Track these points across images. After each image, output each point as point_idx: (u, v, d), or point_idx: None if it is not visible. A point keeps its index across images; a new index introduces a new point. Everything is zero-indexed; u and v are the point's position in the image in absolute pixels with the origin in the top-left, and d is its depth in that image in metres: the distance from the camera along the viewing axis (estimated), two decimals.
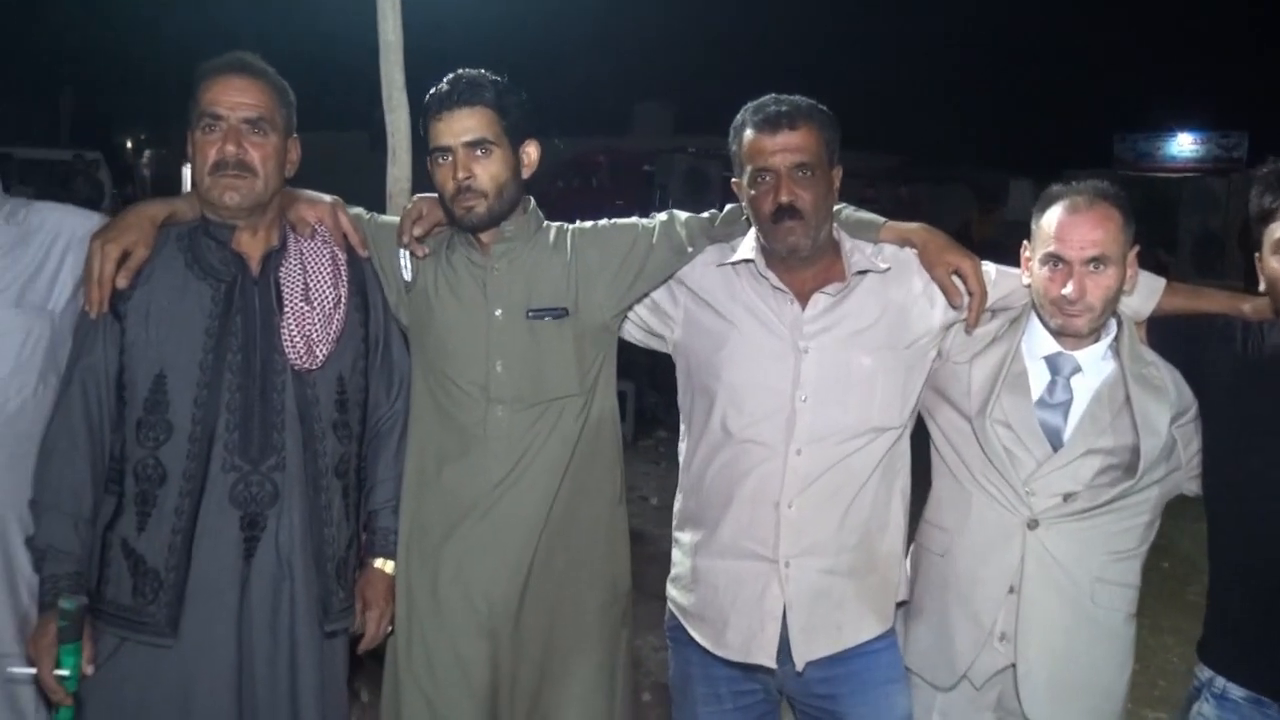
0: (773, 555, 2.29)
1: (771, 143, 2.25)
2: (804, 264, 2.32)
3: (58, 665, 2.07)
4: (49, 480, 2.16)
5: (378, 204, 2.49)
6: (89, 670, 2.11)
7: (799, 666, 2.29)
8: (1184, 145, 24.43)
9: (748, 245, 2.36)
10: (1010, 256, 2.41)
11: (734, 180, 2.38)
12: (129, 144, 28.11)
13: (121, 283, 2.17)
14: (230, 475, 2.18)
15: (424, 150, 2.36)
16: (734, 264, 2.37)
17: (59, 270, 2.29)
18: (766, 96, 2.31)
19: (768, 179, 2.25)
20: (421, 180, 3.69)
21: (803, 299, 2.32)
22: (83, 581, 2.16)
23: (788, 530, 2.28)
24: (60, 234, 2.31)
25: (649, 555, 3.42)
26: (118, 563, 2.18)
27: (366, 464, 2.41)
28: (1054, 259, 2.22)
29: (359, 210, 2.50)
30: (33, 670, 2.10)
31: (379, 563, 2.41)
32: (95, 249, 2.18)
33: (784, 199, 2.23)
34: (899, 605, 2.42)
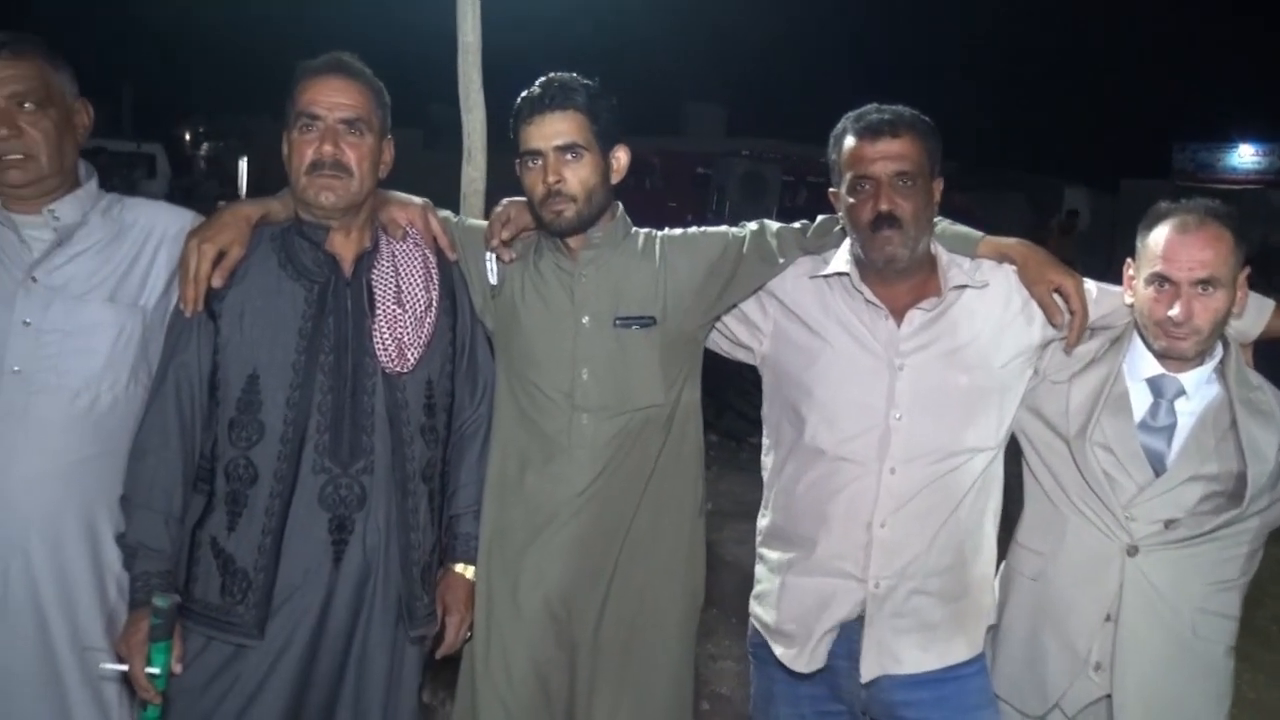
0: (863, 575, 2.25)
1: (873, 150, 2.21)
2: (900, 277, 2.27)
3: (148, 663, 2.08)
4: (141, 478, 2.17)
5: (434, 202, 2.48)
6: (178, 669, 2.12)
7: (886, 687, 2.24)
8: (1245, 156, 23.98)
9: (841, 258, 2.32)
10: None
11: (831, 190, 2.35)
12: (187, 136, 28.55)
13: (217, 282, 2.18)
14: (320, 477, 2.17)
15: (501, 151, 2.34)
16: (827, 277, 2.33)
17: (151, 267, 2.30)
18: (868, 105, 2.27)
19: (867, 187, 2.22)
20: (499, 183, 3.71)
21: (898, 314, 2.27)
22: (172, 580, 2.16)
23: (879, 550, 2.24)
24: (153, 231, 2.32)
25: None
26: (207, 561, 2.18)
27: (449, 468, 2.40)
28: (1161, 279, 2.15)
29: (447, 213, 2.49)
30: (124, 667, 2.11)
31: (459, 567, 2.39)
32: (192, 247, 2.18)
33: (883, 207, 2.19)
34: (989, 629, 2.37)
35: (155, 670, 2.07)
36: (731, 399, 7.85)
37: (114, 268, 2.26)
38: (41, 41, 2.21)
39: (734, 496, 5.42)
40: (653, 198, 14.78)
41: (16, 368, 2.15)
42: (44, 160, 2.18)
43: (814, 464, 2.31)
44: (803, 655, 2.31)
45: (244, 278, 2.20)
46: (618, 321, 2.31)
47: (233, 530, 2.16)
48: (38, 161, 2.18)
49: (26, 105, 2.16)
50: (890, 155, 2.20)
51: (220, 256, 2.18)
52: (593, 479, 2.30)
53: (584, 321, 2.31)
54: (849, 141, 2.25)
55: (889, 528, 2.24)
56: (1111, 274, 2.49)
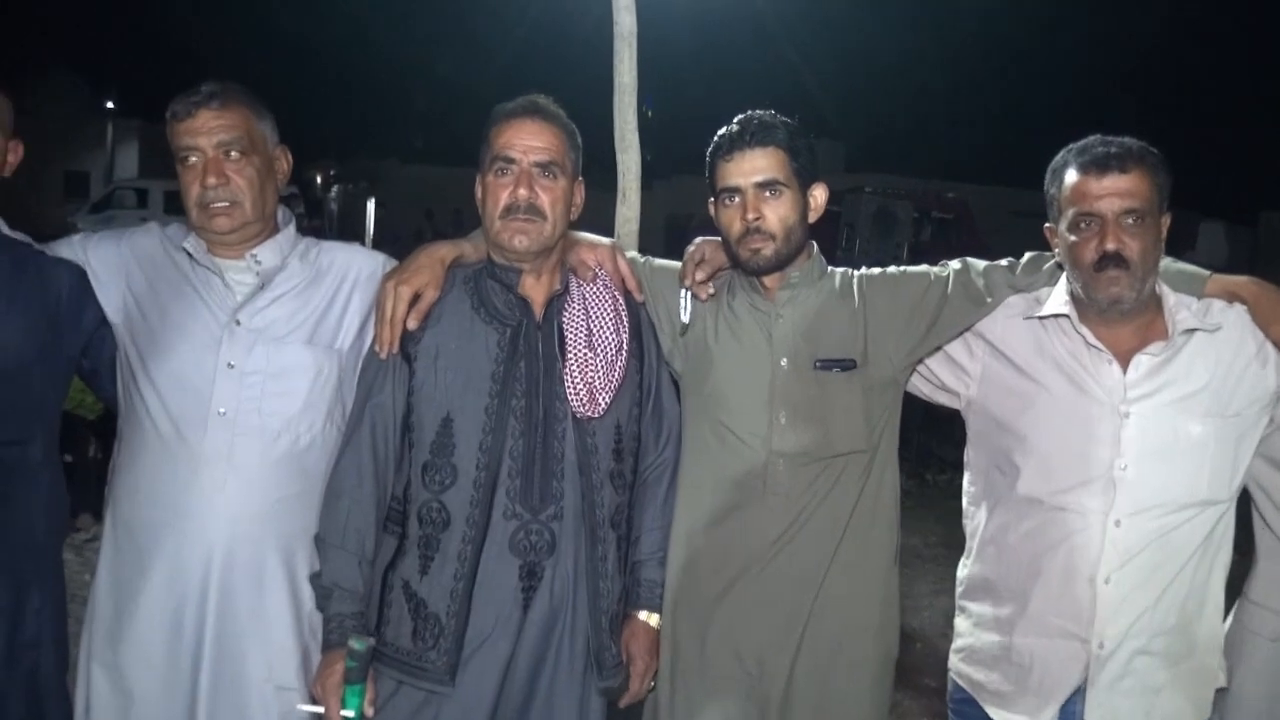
0: (1085, 635, 2.10)
1: (1099, 186, 2.07)
2: (1123, 319, 2.12)
3: (343, 705, 2.04)
4: (336, 519, 2.15)
5: None
6: (370, 712, 2.08)
7: None
8: None
9: (1058, 298, 2.18)
10: None
11: (1047, 226, 2.21)
12: (318, 179, 29.65)
13: (412, 324, 2.16)
14: (511, 523, 2.12)
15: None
16: (1043, 318, 2.19)
17: (346, 309, 2.30)
18: (1094, 137, 2.14)
19: (1092, 225, 2.08)
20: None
21: (1121, 358, 2.12)
22: (365, 621, 2.14)
23: (1104, 608, 2.09)
24: (348, 273, 2.33)
25: None
26: (399, 605, 2.15)
27: (634, 513, 2.33)
28: None
29: (634, 253, 2.43)
30: (319, 709, 2.08)
31: (643, 615, 2.30)
32: (388, 290, 2.18)
33: (1109, 246, 2.05)
34: (1217, 692, 2.18)
35: (350, 713, 2.04)
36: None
37: (312, 310, 2.27)
38: (247, 91, 2.24)
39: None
40: None
41: (223, 410, 2.16)
42: (248, 207, 2.21)
43: (1028, 514, 2.17)
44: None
45: (438, 320, 2.18)
46: (818, 364, 2.22)
47: (425, 574, 2.13)
48: (243, 208, 2.20)
49: (233, 154, 2.19)
50: (1118, 191, 2.06)
51: (415, 299, 2.17)
52: (787, 527, 2.20)
53: (782, 363, 2.22)
54: (1071, 176, 2.12)
55: (1114, 584, 2.08)
56: None
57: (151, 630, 2.15)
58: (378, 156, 28.43)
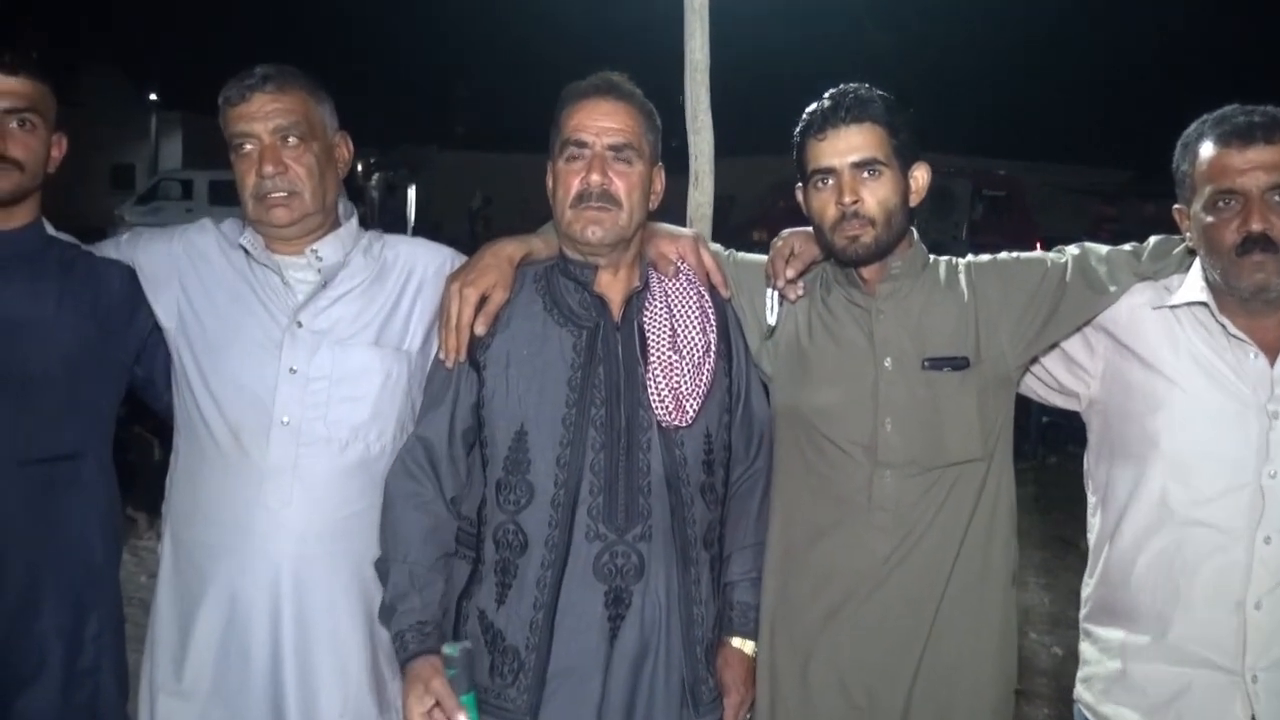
0: (1235, 666, 1.88)
1: (1242, 159, 1.86)
2: (1270, 308, 1.91)
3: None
4: (390, 531, 2.00)
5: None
6: None
7: None
8: None
9: (1193, 285, 1.97)
10: None
11: (1177, 208, 2.00)
12: (359, 166, 29.64)
13: (480, 329, 2.00)
14: (594, 545, 1.95)
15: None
16: (1174, 307, 1.98)
17: (413, 308, 2.15)
18: (1231, 106, 1.92)
19: (1233, 203, 1.87)
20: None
21: (1269, 351, 1.91)
22: (439, 631, 1.96)
23: (1256, 636, 1.87)
24: (414, 270, 2.17)
25: None
26: (474, 637, 1.99)
27: (724, 530, 2.15)
28: None
29: (717, 246, 2.25)
30: None
31: (737, 642, 2.13)
32: (453, 292, 2.02)
33: (1255, 227, 1.84)
34: None
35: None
36: None
37: (378, 310, 2.12)
38: (304, 74, 2.09)
39: None
40: None
41: (286, 419, 2.02)
42: (308, 197, 2.06)
43: (1162, 529, 1.96)
44: None
45: (508, 324, 2.02)
46: (927, 363, 2.02)
47: (502, 603, 1.97)
48: (302, 199, 2.05)
49: (290, 140, 2.04)
50: (1264, 165, 1.85)
51: (483, 301, 2.01)
52: (896, 545, 2.01)
53: (886, 364, 2.03)
54: (1208, 149, 1.90)
55: (1265, 610, 1.87)
56: None
57: (219, 659, 2.02)
58: (418, 143, 28.36)
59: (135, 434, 5.28)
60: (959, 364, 2.02)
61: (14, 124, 1.96)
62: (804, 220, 2.14)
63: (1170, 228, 2.07)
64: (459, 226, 19.41)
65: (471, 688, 1.86)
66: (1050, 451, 7.87)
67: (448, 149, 29.28)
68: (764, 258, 2.21)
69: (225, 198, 20.10)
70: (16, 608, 1.94)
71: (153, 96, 28.93)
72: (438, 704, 1.87)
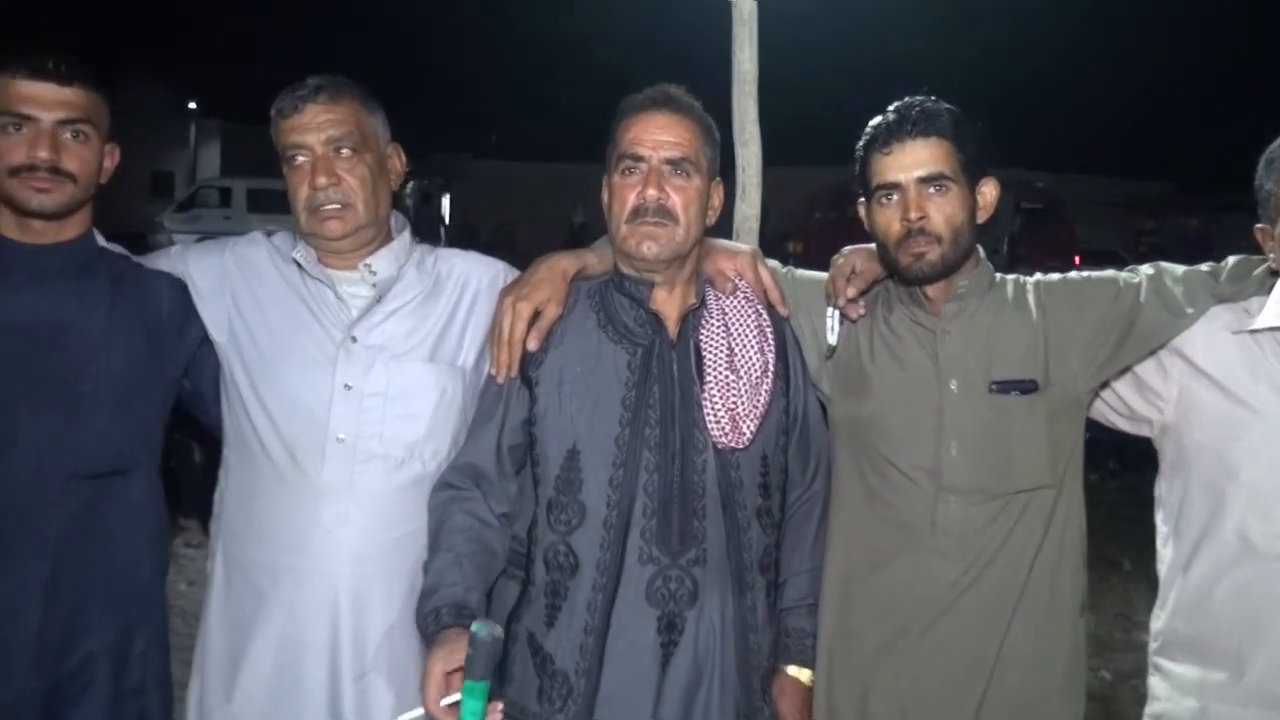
0: None
1: None
2: None
3: (461, 710, 1.65)
4: (434, 527, 1.97)
5: None
6: None
7: None
8: None
9: (1275, 308, 1.89)
10: None
11: (1259, 227, 1.93)
12: None
13: (532, 345, 1.96)
14: (647, 568, 1.90)
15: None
16: (1255, 332, 1.91)
17: (468, 323, 2.11)
18: None
19: None
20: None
21: None
22: (469, 616, 1.84)
23: None
24: (468, 283, 2.14)
25: None
26: (523, 659, 1.94)
27: (780, 554, 2.08)
28: None
29: (774, 263, 2.20)
30: (417, 712, 1.74)
31: (793, 670, 2.06)
32: (505, 307, 1.98)
33: None
34: None
35: (454, 697, 1.67)
36: None
37: (432, 325, 2.09)
38: (356, 83, 2.06)
39: None
40: (856, 227, 14.17)
41: (341, 435, 1.99)
42: (361, 209, 2.03)
43: (1241, 562, 1.87)
44: None
45: (561, 340, 1.98)
46: (994, 386, 1.96)
47: (552, 626, 1.92)
48: (355, 211, 2.02)
49: (343, 151, 2.01)
50: None
51: (536, 316, 1.97)
52: (961, 573, 1.94)
53: (951, 386, 1.97)
54: None
55: None
56: None
57: (272, 680, 1.98)
58: (452, 152, 28.52)
59: (174, 439, 5.28)
60: (1027, 387, 1.96)
61: (68, 135, 1.93)
62: (840, 233, 2.09)
63: (1217, 244, 1.99)
64: (491, 236, 19.45)
65: (485, 677, 1.66)
66: (1090, 469, 7.75)
67: (482, 158, 29.43)
68: (823, 275, 2.15)
69: (263, 205, 20.39)
70: (64, 625, 1.92)
71: (192, 105, 29.29)
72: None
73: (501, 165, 28.37)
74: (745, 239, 3.42)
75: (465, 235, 17.68)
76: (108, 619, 1.97)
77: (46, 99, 1.91)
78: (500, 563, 1.97)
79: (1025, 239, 14.21)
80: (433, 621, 1.85)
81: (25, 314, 1.93)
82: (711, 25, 3.48)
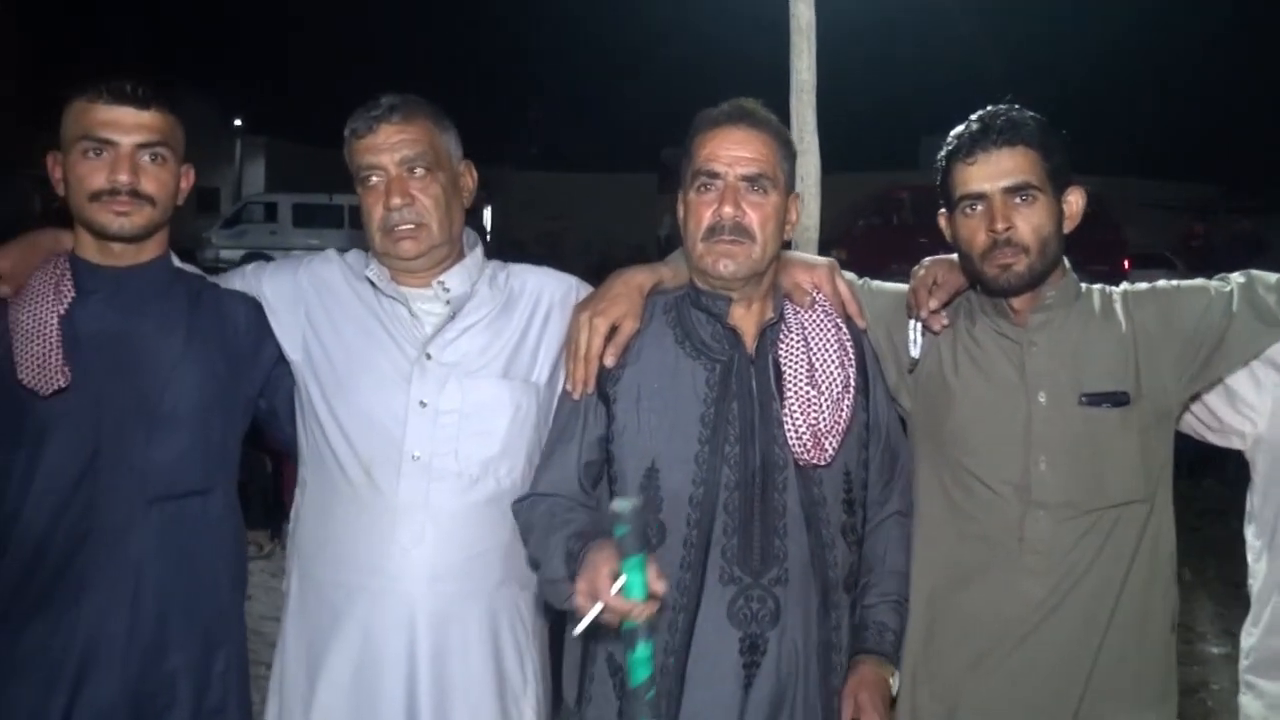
0: None
1: None
2: None
3: (624, 590, 1.57)
4: (532, 522, 1.92)
5: (666, 252, 2.15)
6: (660, 588, 1.60)
7: None
8: None
9: None
10: None
11: None
12: None
13: (609, 360, 1.94)
14: (729, 589, 1.86)
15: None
16: None
17: (541, 339, 2.10)
18: None
19: None
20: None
21: None
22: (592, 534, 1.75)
23: None
24: (541, 299, 2.13)
25: None
26: (602, 679, 1.92)
27: (862, 564, 2.03)
28: None
29: (851, 275, 2.16)
30: (597, 608, 1.61)
31: (874, 663, 1.95)
32: (582, 322, 1.96)
33: None
34: None
35: (620, 582, 1.58)
36: None
37: (505, 341, 2.07)
38: (429, 102, 2.05)
39: None
40: (902, 235, 14.11)
41: (417, 453, 1.98)
42: (435, 228, 2.02)
43: None
44: None
45: (639, 355, 1.95)
46: (1084, 399, 1.91)
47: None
48: (430, 230, 2.02)
49: (417, 171, 2.01)
50: None
51: (613, 332, 1.94)
52: (1050, 590, 1.90)
53: (1039, 399, 1.92)
54: None
55: None
56: None
57: (349, 701, 1.97)
58: (493, 163, 28.71)
59: (246, 454, 5.31)
60: (1119, 399, 1.91)
61: (147, 158, 1.95)
62: (883, 240, 2.04)
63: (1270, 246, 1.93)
64: (536, 245, 19.49)
65: (642, 549, 1.60)
66: None
67: (523, 169, 29.57)
68: (902, 287, 2.12)
69: (307, 220, 20.58)
70: (148, 645, 1.92)
71: (237, 122, 29.69)
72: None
73: (544, 176, 28.48)
74: (803, 249, 3.39)
75: (509, 246, 17.75)
76: (189, 638, 1.97)
77: (125, 123, 1.92)
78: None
79: (1072, 243, 14.01)
80: (566, 565, 1.75)
81: (106, 336, 1.94)
82: (768, 35, 3.46)
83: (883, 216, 15.27)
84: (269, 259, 2.36)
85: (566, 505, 1.91)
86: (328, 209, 20.15)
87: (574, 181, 27.31)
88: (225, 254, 17.86)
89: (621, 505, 1.60)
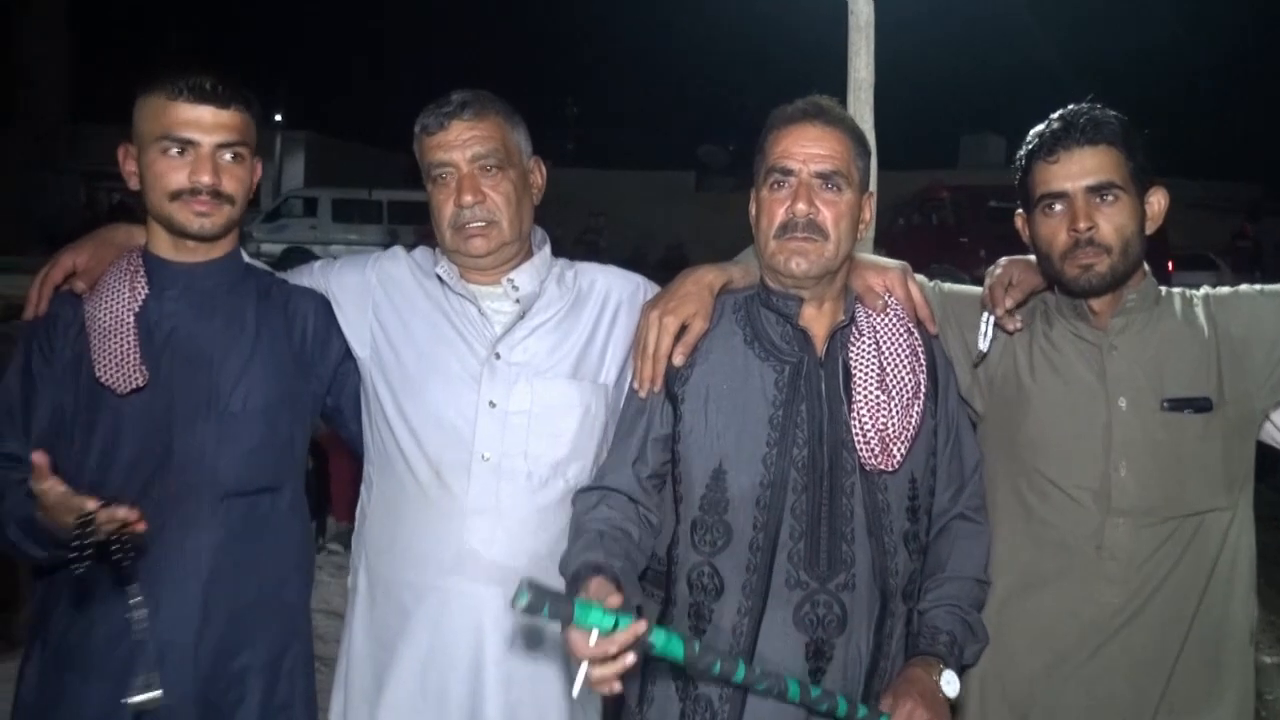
0: None
1: None
2: None
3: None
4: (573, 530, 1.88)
5: (702, 250, 2.12)
6: (614, 600, 1.55)
7: None
8: None
9: None
10: None
11: None
12: None
13: (678, 360, 1.92)
14: (795, 593, 1.83)
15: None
16: None
17: (609, 339, 2.09)
18: None
19: None
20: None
21: None
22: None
23: None
24: (609, 298, 2.11)
25: None
26: (664, 683, 1.90)
27: (924, 570, 1.99)
28: None
29: (921, 278, 2.13)
30: (584, 668, 1.54)
31: (925, 666, 1.82)
32: (651, 320, 1.94)
33: None
34: None
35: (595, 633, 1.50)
36: None
37: (574, 341, 2.06)
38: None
39: None
40: (942, 234, 13.98)
41: (486, 454, 1.97)
42: (506, 226, 2.01)
43: None
44: None
45: (707, 355, 1.93)
46: (1166, 404, 1.87)
47: None
48: (500, 228, 2.01)
49: (489, 168, 2.00)
50: None
51: (682, 331, 1.92)
52: (1128, 599, 1.86)
53: (1120, 404, 1.89)
54: None
55: None
56: None
57: (415, 700, 1.97)
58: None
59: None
60: (1201, 405, 1.87)
61: (228, 157, 1.94)
62: (924, 239, 2.01)
63: None
64: (575, 244, 19.55)
65: (571, 597, 1.56)
66: None
67: (560, 166, 29.62)
68: (976, 289, 2.09)
69: (347, 215, 20.67)
70: (219, 640, 1.93)
71: (277, 117, 29.96)
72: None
73: (580, 173, 28.49)
74: (859, 249, 3.36)
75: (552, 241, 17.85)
76: (259, 635, 1.97)
77: (206, 122, 1.90)
78: (643, 557, 1.88)
79: None
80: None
81: (178, 332, 1.94)
82: (826, 32, 3.43)
83: (923, 215, 15.16)
84: (309, 254, 2.36)
85: (618, 531, 1.83)
86: (366, 204, 20.29)
87: (611, 179, 27.31)
88: (265, 248, 18.00)
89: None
